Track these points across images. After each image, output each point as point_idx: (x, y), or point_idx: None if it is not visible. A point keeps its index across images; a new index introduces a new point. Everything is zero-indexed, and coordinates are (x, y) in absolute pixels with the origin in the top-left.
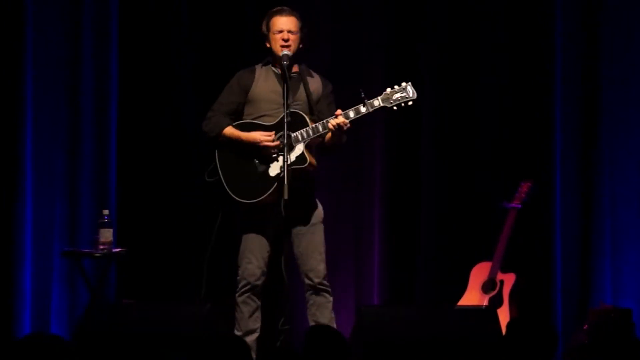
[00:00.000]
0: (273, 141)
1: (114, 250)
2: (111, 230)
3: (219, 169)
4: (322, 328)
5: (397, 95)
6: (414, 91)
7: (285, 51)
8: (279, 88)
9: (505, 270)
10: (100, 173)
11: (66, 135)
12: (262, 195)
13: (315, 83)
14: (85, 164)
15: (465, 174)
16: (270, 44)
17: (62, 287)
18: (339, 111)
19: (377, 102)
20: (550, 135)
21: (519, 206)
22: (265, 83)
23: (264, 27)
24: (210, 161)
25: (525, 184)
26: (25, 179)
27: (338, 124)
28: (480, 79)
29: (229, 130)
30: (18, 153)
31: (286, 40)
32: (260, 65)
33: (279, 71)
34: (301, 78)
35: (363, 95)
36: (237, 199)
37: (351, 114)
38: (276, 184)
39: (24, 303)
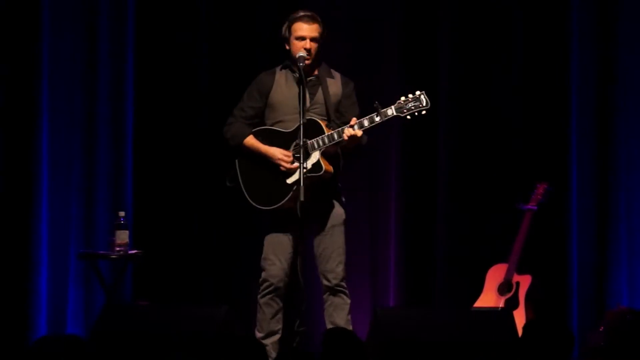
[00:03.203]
0: (292, 162)
1: (129, 251)
2: (127, 231)
3: (238, 175)
4: (339, 330)
5: (411, 105)
6: (428, 100)
7: (301, 53)
8: (298, 92)
9: (521, 271)
10: (116, 175)
11: (82, 136)
12: (279, 202)
13: (334, 84)
14: (101, 165)
15: (481, 175)
16: (290, 47)
17: (78, 289)
18: (354, 120)
19: (391, 111)
20: (566, 136)
21: (535, 208)
22: (284, 87)
23: (284, 31)
24: (231, 166)
25: (541, 186)
26: (41, 180)
27: (353, 135)
28: (495, 81)
29: (250, 141)
30: (34, 155)
31: (308, 50)
32: (279, 68)
33: (297, 75)
34: (320, 81)
35: (376, 105)
36: (254, 205)
37: (365, 122)
38: (292, 191)
39: (40, 305)
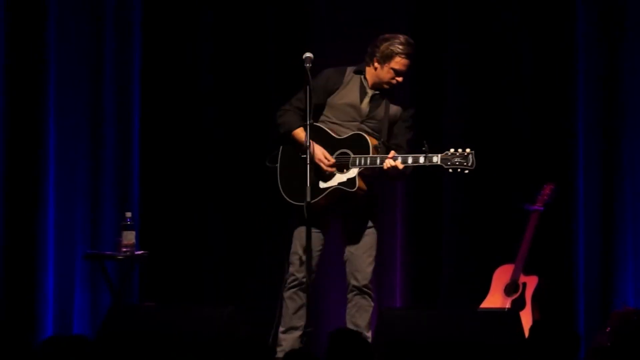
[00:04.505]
0: (331, 166)
1: (136, 252)
2: (134, 232)
3: (278, 162)
4: (345, 331)
5: (457, 160)
6: (475, 162)
7: (308, 54)
8: (358, 102)
9: (527, 272)
10: (122, 175)
11: (89, 137)
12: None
13: (396, 106)
14: (108, 166)
15: (487, 176)
16: (376, 67)
17: (85, 290)
18: (392, 153)
19: (436, 159)
20: (572, 137)
21: (542, 209)
22: (348, 93)
23: (379, 52)
24: (276, 149)
25: (547, 187)
26: (48, 181)
27: (393, 167)
28: (502, 81)
29: (298, 134)
30: (40, 155)
31: (398, 83)
32: (352, 69)
33: (367, 86)
34: (384, 99)
35: (425, 148)
36: (283, 195)
37: (409, 160)
38: (323, 195)
39: (47, 305)
